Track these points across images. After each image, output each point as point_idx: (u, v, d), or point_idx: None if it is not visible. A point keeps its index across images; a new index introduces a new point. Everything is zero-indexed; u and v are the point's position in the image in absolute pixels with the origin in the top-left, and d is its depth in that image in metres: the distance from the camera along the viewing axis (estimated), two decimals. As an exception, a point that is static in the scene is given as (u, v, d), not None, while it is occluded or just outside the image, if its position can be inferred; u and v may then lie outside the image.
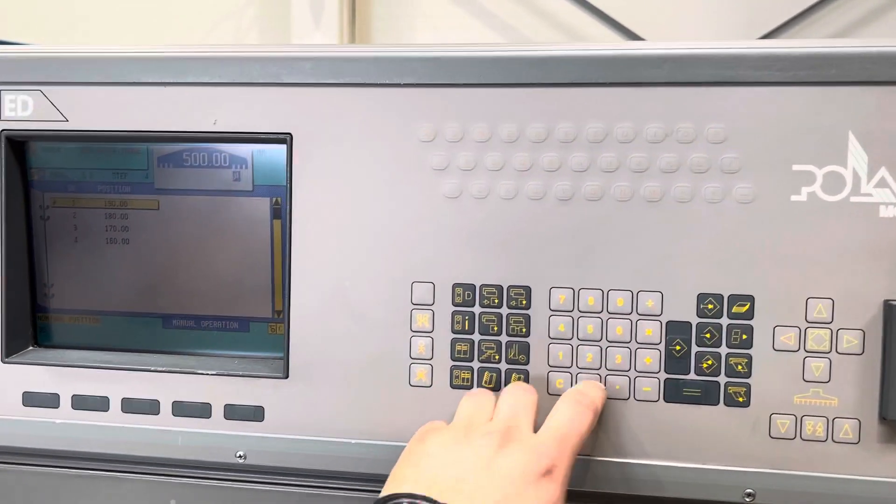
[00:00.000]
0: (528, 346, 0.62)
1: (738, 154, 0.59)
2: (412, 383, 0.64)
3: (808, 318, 0.58)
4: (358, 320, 0.64)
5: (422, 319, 0.63)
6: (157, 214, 0.69)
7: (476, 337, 0.63)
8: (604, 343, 0.61)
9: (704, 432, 0.60)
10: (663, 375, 0.61)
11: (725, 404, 0.60)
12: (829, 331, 0.58)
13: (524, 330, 0.62)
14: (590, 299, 0.61)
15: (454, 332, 0.63)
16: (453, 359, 0.63)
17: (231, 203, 0.68)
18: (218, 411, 0.66)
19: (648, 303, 0.60)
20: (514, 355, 0.62)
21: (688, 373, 0.60)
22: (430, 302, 0.63)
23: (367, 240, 0.64)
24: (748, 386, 0.59)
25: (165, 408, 0.67)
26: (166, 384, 0.67)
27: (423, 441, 0.57)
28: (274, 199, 0.68)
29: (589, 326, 0.61)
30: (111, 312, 0.71)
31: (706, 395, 0.60)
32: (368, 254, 0.64)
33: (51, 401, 0.68)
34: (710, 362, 0.60)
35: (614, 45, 0.59)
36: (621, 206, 0.60)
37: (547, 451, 0.54)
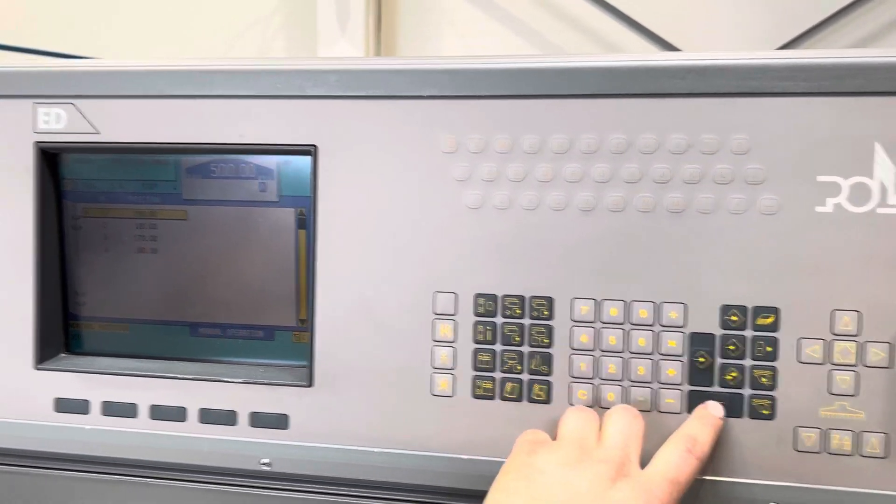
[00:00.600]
0: (550, 356, 0.62)
1: (763, 165, 0.58)
2: (434, 393, 0.64)
3: (833, 331, 0.58)
4: (381, 330, 0.65)
5: (444, 329, 0.64)
6: (184, 224, 0.70)
7: (498, 347, 0.63)
8: (626, 354, 0.61)
9: (728, 445, 0.60)
10: (686, 387, 0.60)
11: (750, 417, 0.59)
12: (855, 343, 0.58)
13: (546, 340, 0.62)
14: (612, 310, 0.61)
15: (476, 342, 0.63)
16: (475, 369, 0.63)
17: (257, 213, 0.69)
18: (243, 419, 0.67)
19: (671, 314, 0.60)
20: (537, 366, 0.62)
21: (711, 385, 0.60)
22: (453, 312, 0.63)
23: (390, 250, 0.64)
24: (773, 399, 0.59)
25: (192, 415, 0.68)
26: (193, 391, 0.68)
27: (534, 454, 0.57)
28: (299, 210, 0.68)
29: (611, 337, 0.61)
30: (139, 320, 0.72)
31: (730, 408, 0.60)
32: (391, 264, 0.64)
33: (81, 407, 0.70)
34: (734, 374, 0.59)
35: (637, 56, 0.59)
36: (644, 217, 0.60)
37: (660, 494, 0.54)
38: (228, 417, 0.67)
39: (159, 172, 0.70)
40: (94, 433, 0.70)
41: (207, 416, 0.68)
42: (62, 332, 0.73)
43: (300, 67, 0.65)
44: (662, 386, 0.61)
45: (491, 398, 0.63)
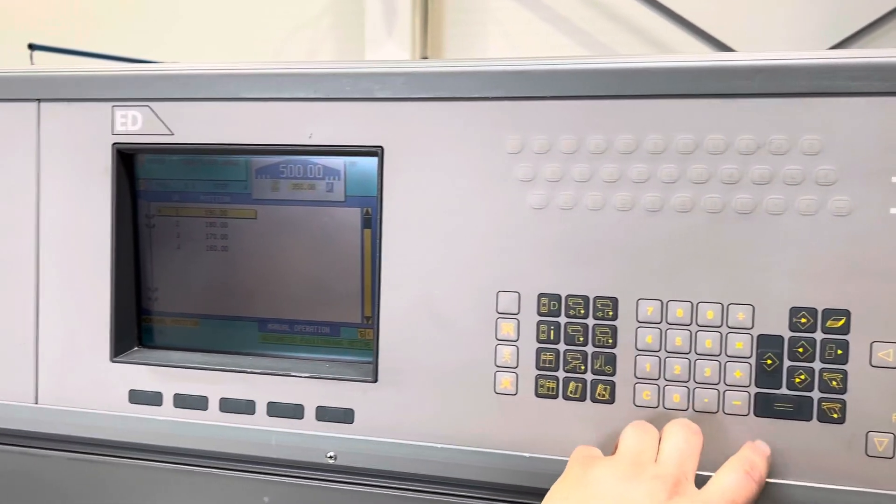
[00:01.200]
0: (614, 357, 0.62)
1: (834, 166, 0.58)
2: (497, 391, 0.65)
3: (908, 335, 0.57)
4: (444, 328, 0.66)
5: (507, 328, 0.64)
6: (254, 223, 0.72)
7: (562, 347, 0.63)
8: (692, 356, 0.61)
9: (796, 448, 0.59)
10: (754, 389, 0.60)
11: (819, 420, 0.59)
12: (930, 348, 0.57)
13: (610, 341, 0.62)
14: (678, 311, 0.61)
15: (539, 341, 0.64)
16: (538, 368, 0.64)
17: (324, 213, 0.71)
18: (310, 412, 0.69)
19: (739, 315, 0.60)
20: (601, 366, 0.62)
21: (779, 387, 0.59)
22: (516, 311, 0.64)
23: (455, 249, 0.65)
24: (843, 402, 0.58)
25: (261, 408, 0.70)
26: (262, 385, 0.70)
27: (589, 467, 0.57)
28: (365, 210, 0.70)
29: (677, 339, 0.61)
30: (210, 316, 0.74)
31: (798, 411, 0.59)
32: (455, 263, 0.65)
33: (154, 399, 0.72)
34: (802, 377, 0.59)
35: (705, 56, 0.59)
36: (712, 218, 0.60)
37: None
38: (295, 411, 0.69)
39: (230, 173, 0.72)
40: (166, 424, 0.72)
41: (275, 410, 0.70)
42: (136, 326, 0.76)
43: (368, 70, 0.66)
44: (729, 388, 0.60)
45: (554, 397, 0.64)
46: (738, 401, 0.60)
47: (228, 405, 0.71)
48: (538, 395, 0.64)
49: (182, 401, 0.72)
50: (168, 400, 0.72)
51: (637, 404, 0.62)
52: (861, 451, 0.58)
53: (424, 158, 0.66)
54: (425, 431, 0.66)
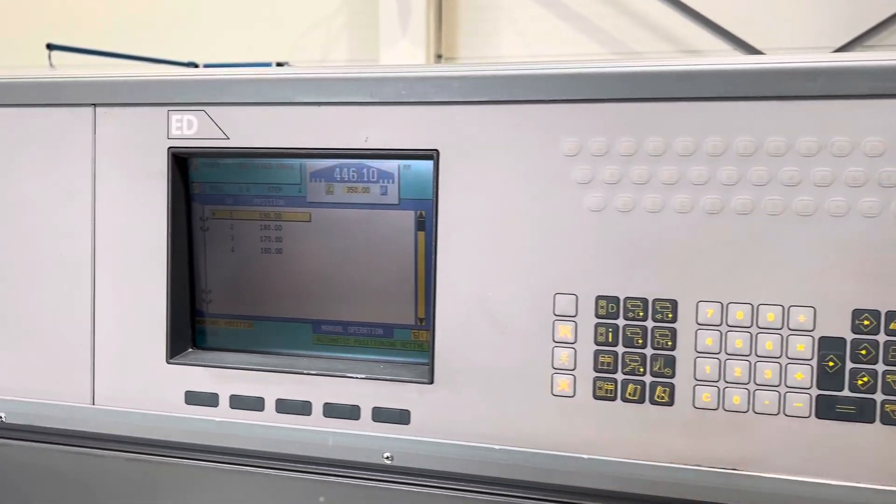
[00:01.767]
0: (673, 359, 0.62)
1: (899, 167, 0.57)
2: (555, 393, 0.65)
3: (974, 337, 0.57)
4: (501, 329, 0.66)
5: (564, 330, 0.65)
6: (308, 226, 0.73)
7: (620, 349, 0.63)
8: (753, 358, 0.61)
9: (859, 450, 0.59)
10: (815, 391, 0.60)
11: (882, 423, 0.59)
12: None
13: (670, 343, 0.62)
14: (739, 313, 0.61)
15: (597, 343, 0.64)
16: (596, 370, 0.64)
17: (378, 216, 0.71)
18: (366, 413, 0.70)
19: (800, 318, 0.60)
20: (660, 368, 0.63)
21: (841, 389, 0.59)
22: (573, 313, 0.64)
23: (511, 252, 0.65)
24: (907, 405, 0.58)
25: (317, 409, 0.71)
26: (317, 386, 0.71)
27: None
28: (418, 212, 0.70)
29: (738, 341, 0.61)
30: (264, 318, 0.75)
31: (861, 413, 0.59)
32: (511, 265, 0.65)
33: (211, 400, 0.73)
34: (865, 379, 0.59)
35: (766, 58, 0.59)
36: (772, 220, 0.60)
37: None
38: (352, 412, 0.70)
39: (285, 176, 0.73)
40: (222, 425, 0.73)
41: (331, 411, 0.70)
42: (190, 328, 0.77)
43: (425, 74, 0.66)
44: (790, 390, 0.60)
45: (612, 399, 0.64)
46: (800, 402, 0.60)
47: (285, 406, 0.71)
48: (596, 397, 0.64)
49: (238, 402, 0.73)
50: (224, 401, 0.73)
51: (697, 406, 0.62)
52: (925, 454, 0.58)
53: (480, 161, 0.66)
54: (482, 432, 0.67)
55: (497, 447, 0.66)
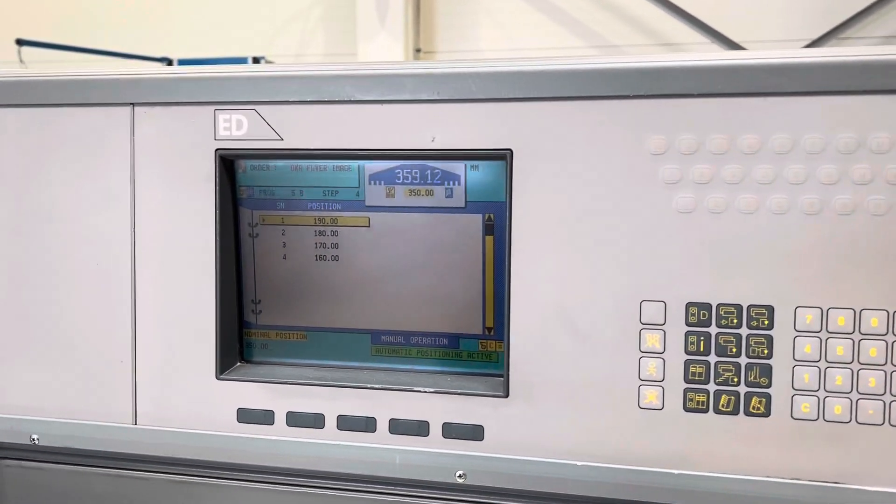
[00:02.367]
0: (769, 368, 0.59)
1: None
2: (642, 405, 0.62)
3: None
4: (582, 339, 0.62)
5: (652, 340, 0.61)
6: (367, 231, 0.69)
7: (712, 358, 0.60)
8: (855, 366, 0.58)
9: (969, 461, 0.57)
10: (922, 400, 0.57)
11: None
12: None
13: (766, 351, 0.59)
14: (840, 319, 0.58)
15: (688, 353, 0.61)
16: (686, 381, 0.61)
17: (442, 220, 0.67)
18: (436, 429, 0.66)
19: (907, 323, 0.57)
20: (755, 378, 0.59)
21: (950, 398, 0.57)
22: (661, 322, 0.61)
23: (592, 257, 0.62)
24: None
25: (382, 425, 0.67)
26: (380, 401, 0.67)
27: None
28: (486, 216, 0.66)
29: (839, 348, 0.58)
30: (318, 328, 0.71)
31: (971, 422, 0.56)
32: (593, 271, 0.62)
33: (266, 417, 0.69)
34: (975, 387, 0.56)
35: (871, 49, 0.56)
36: (876, 221, 0.57)
37: None
38: (420, 428, 0.66)
39: (342, 179, 0.68)
40: (278, 444, 0.69)
41: (398, 427, 0.66)
42: (237, 341, 0.72)
43: (496, 70, 0.62)
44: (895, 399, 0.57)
45: (704, 411, 0.61)
46: (907, 412, 0.57)
47: (347, 422, 0.67)
48: (686, 409, 0.61)
49: (296, 419, 0.68)
50: (280, 418, 0.69)
51: (795, 417, 0.59)
52: None
53: (556, 161, 0.62)
54: (563, 448, 0.63)
55: (579, 463, 0.63)
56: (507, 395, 0.64)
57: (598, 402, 0.62)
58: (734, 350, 0.60)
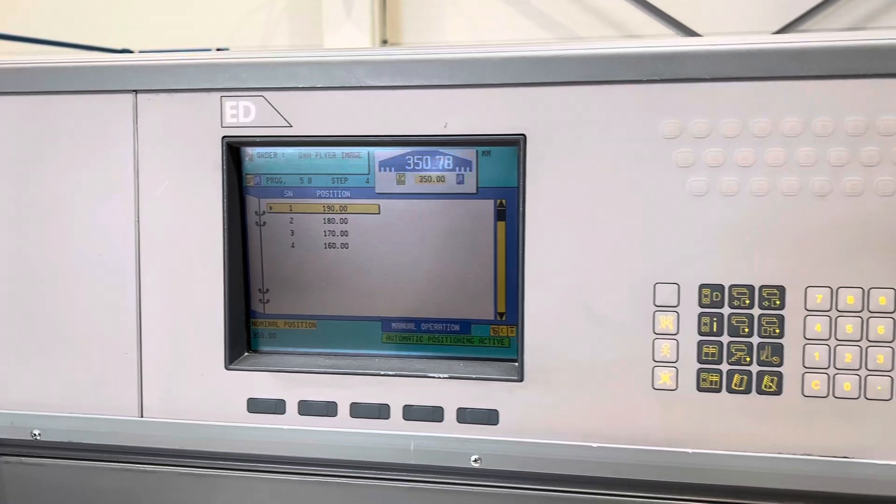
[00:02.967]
0: (781, 347, 0.60)
1: None
2: (656, 386, 0.62)
3: None
4: (596, 322, 0.63)
5: (665, 321, 0.62)
6: (377, 219, 0.68)
7: (725, 339, 0.61)
8: (864, 343, 0.59)
9: (973, 433, 0.58)
10: (929, 375, 0.59)
11: None
12: None
13: (777, 331, 0.60)
14: (849, 298, 0.59)
15: (701, 333, 0.62)
16: (700, 361, 0.62)
17: (454, 206, 0.67)
18: (450, 415, 0.66)
19: (915, 301, 0.58)
20: (767, 357, 0.61)
21: (955, 372, 0.58)
22: (675, 304, 0.62)
23: (606, 241, 0.62)
24: None
25: (396, 412, 0.67)
26: (394, 387, 0.67)
27: None
28: (498, 201, 0.66)
29: (848, 326, 0.59)
30: (328, 317, 0.70)
31: (976, 396, 0.58)
32: (607, 255, 0.62)
33: (276, 407, 0.68)
34: (979, 361, 0.58)
35: (879, 33, 0.57)
36: (884, 202, 0.58)
37: None
38: (434, 413, 0.66)
39: (351, 166, 0.68)
40: (290, 433, 0.68)
41: (412, 413, 0.66)
42: (245, 330, 0.71)
43: (510, 54, 0.62)
44: (903, 375, 0.59)
45: (717, 391, 0.62)
46: (915, 387, 0.59)
47: (360, 410, 0.67)
48: (700, 389, 0.62)
49: (308, 407, 0.68)
50: (292, 407, 0.68)
51: (806, 394, 0.60)
52: None
53: (570, 146, 0.63)
54: (578, 430, 0.64)
55: (595, 445, 0.64)
56: (521, 380, 0.65)
57: (613, 384, 0.63)
58: (746, 330, 0.61)
